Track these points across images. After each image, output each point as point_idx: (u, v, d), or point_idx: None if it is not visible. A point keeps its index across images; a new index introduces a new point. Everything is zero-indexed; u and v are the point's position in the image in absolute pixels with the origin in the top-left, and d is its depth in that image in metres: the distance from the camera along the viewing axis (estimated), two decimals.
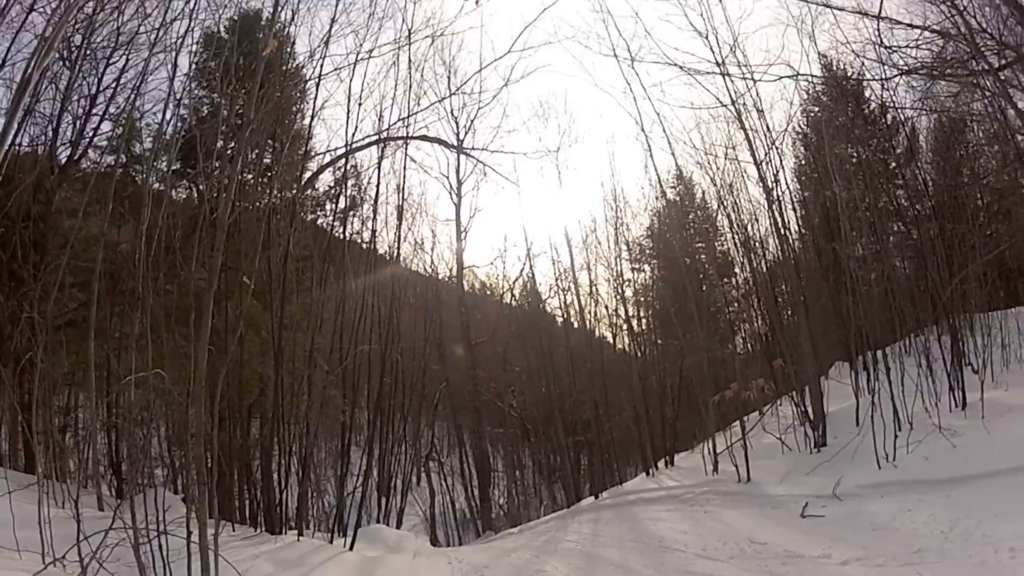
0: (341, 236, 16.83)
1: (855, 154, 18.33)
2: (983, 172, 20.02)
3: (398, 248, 19.44)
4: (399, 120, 16.57)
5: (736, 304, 22.94)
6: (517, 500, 28.89)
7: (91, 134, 15.30)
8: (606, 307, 24.97)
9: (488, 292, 32.46)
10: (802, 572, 7.43)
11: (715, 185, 17.93)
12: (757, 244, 17.77)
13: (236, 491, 14.10)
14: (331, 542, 12.18)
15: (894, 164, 20.37)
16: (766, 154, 15.82)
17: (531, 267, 33.36)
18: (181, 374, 9.56)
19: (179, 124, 14.28)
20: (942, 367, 12.51)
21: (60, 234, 13.53)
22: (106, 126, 15.36)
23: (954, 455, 9.86)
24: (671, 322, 21.43)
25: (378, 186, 19.12)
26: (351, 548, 11.84)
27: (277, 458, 12.74)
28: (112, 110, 15.24)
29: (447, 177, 29.40)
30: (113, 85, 15.11)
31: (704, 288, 22.58)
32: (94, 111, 15.13)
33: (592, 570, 9.99)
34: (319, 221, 18.79)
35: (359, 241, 17.92)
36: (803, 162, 22.03)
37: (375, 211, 17.13)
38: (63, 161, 15.00)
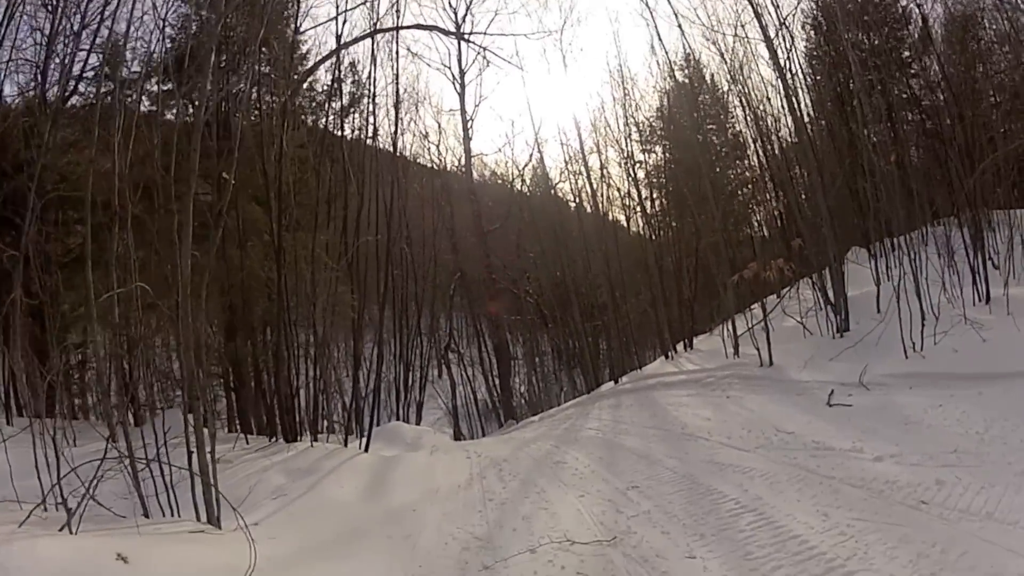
0: (340, 134, 16.06)
1: (866, 40, 17.42)
2: (995, 70, 18.85)
3: (394, 138, 18.36)
4: (391, 6, 15.67)
5: (750, 186, 22.25)
6: (537, 387, 28.83)
7: (79, 70, 14.73)
8: (618, 190, 24.31)
9: (498, 180, 31.74)
10: (833, 467, 7.00)
11: (726, 64, 17.02)
12: (770, 125, 17.07)
13: (253, 402, 13.95)
14: (345, 445, 11.88)
15: (907, 53, 19.57)
16: (776, 32, 15.03)
17: (540, 152, 32.86)
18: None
19: (167, 45, 14.06)
20: (963, 260, 12.02)
21: (56, 172, 13.06)
22: (93, 60, 14.74)
23: (984, 350, 9.39)
24: (685, 203, 20.79)
25: (373, 79, 18.29)
26: (366, 449, 11.53)
27: (287, 364, 12.33)
28: (98, 42, 14.50)
29: (448, 68, 28.78)
30: (97, 19, 14.23)
31: (718, 169, 21.76)
32: (80, 47, 14.50)
33: (614, 460, 9.66)
34: (320, 122, 17.98)
35: (362, 138, 17.17)
36: (813, 47, 20.96)
37: (373, 104, 16.43)
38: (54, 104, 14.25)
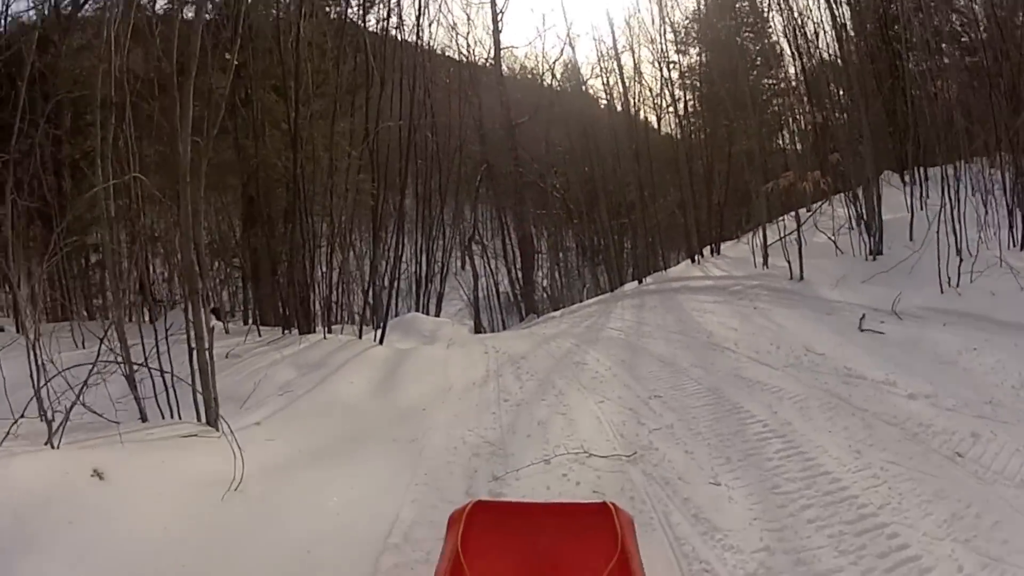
0: (363, 25, 15.27)
1: None
2: None
3: (418, 20, 17.52)
4: None
5: (785, 97, 21.30)
6: (560, 283, 28.49)
7: None
8: (650, 89, 23.29)
9: (528, 76, 30.81)
10: (866, 399, 6.59)
11: None
12: (809, 37, 16.16)
13: (269, 294, 13.67)
14: (360, 337, 11.54)
15: None
16: None
17: (572, 47, 31.87)
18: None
19: None
20: (1001, 201, 11.31)
21: (69, 77, 13.08)
22: None
23: (1022, 299, 8.81)
24: (718, 107, 19.90)
25: None
26: (381, 342, 11.19)
27: (303, 254, 11.92)
28: None
29: None
30: None
31: (752, 75, 20.77)
32: None
33: (635, 364, 9.30)
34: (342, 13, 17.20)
35: (385, 27, 16.46)
36: None
37: None
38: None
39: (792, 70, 19.09)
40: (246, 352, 10.03)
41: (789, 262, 12.64)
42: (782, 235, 13.59)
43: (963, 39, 16.97)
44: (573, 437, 6.32)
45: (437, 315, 21.61)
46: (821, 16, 15.21)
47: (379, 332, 11.49)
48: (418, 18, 17.60)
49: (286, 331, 11.77)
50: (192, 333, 6.07)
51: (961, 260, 9.76)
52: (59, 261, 12.67)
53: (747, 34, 22.33)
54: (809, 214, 14.43)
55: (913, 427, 5.80)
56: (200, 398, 6.04)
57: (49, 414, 4.76)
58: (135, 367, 6.01)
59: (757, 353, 8.84)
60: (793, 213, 14.07)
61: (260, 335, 11.64)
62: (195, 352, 6.07)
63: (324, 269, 13.03)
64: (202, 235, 6.72)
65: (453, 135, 25.11)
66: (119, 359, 5.92)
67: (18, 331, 10.22)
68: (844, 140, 14.16)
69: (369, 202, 13.25)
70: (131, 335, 6.22)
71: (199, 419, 6.04)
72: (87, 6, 14.94)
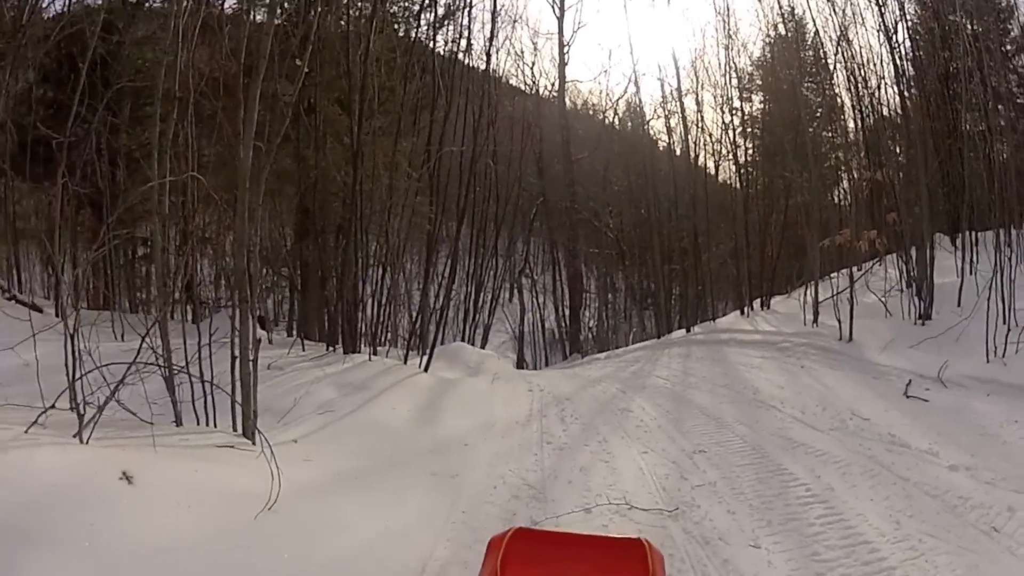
0: (432, 46, 15.51)
1: (969, 26, 15.79)
2: None
3: (488, 49, 17.75)
4: None
5: (845, 152, 21.15)
6: (607, 324, 28.44)
7: None
8: (710, 135, 23.24)
9: (590, 111, 30.94)
10: (908, 468, 6.50)
11: (834, 17, 15.87)
12: (870, 94, 15.83)
13: (317, 308, 13.77)
14: (405, 362, 11.63)
15: (1009, 48, 18.49)
16: None
17: (636, 85, 32.00)
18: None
19: None
20: None
21: (132, 66, 13.20)
22: None
23: None
24: (777, 156, 19.88)
25: None
26: (426, 369, 11.25)
27: (355, 271, 12.04)
28: None
29: None
30: None
31: (812, 128, 20.59)
32: None
33: (681, 416, 9.24)
34: (412, 32, 17.45)
35: (454, 51, 16.68)
36: (918, 22, 19.45)
37: (469, 14, 15.81)
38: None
39: (852, 124, 19.14)
40: (289, 365, 10.09)
41: (839, 321, 12.54)
42: (834, 293, 13.45)
43: (1020, 100, 16.91)
44: (615, 487, 6.30)
45: (483, 346, 21.64)
46: (884, 70, 15.00)
47: (425, 359, 11.53)
48: (489, 42, 17.73)
49: (330, 348, 11.86)
50: (238, 342, 6.05)
51: (1009, 329, 9.59)
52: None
53: (809, 83, 22.15)
54: (861, 273, 14.32)
55: (952, 499, 5.72)
56: (239, 408, 5.98)
57: (82, 407, 4.59)
58: (175, 370, 5.86)
59: (803, 414, 8.77)
60: (845, 271, 13.97)
61: (304, 349, 11.71)
62: (239, 362, 6.04)
63: (374, 289, 13.07)
64: (256, 243, 6.71)
65: (513, 166, 25.12)
66: (160, 360, 5.73)
67: (57, 315, 9.98)
68: (901, 200, 13.98)
69: (425, 226, 13.32)
70: (173, 335, 6.15)
71: (235, 429, 5.99)
72: None
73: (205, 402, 6.14)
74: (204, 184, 6.90)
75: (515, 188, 25.45)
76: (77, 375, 4.83)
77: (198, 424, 6.12)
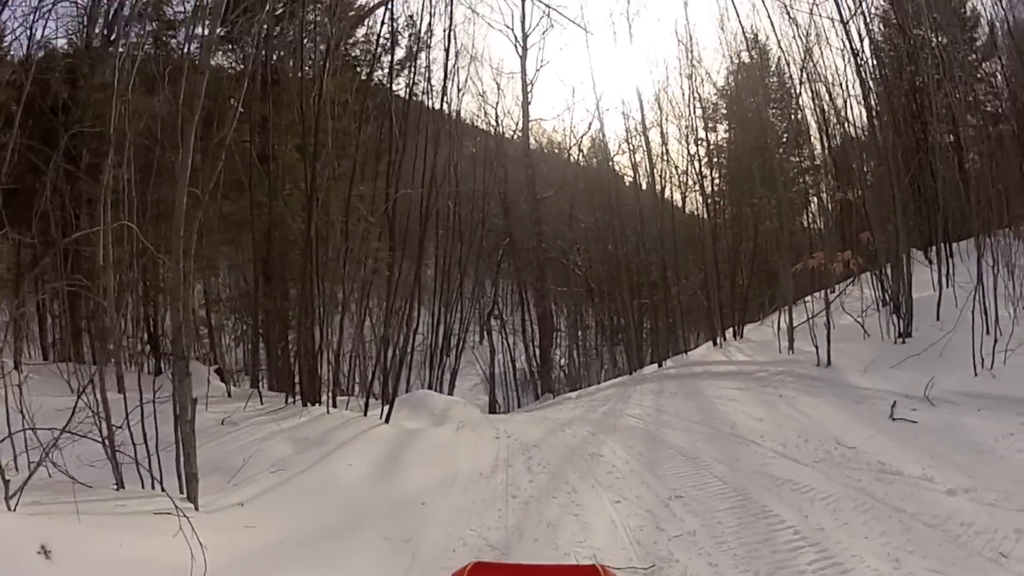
0: (390, 86, 15.10)
1: (934, 39, 15.71)
2: None
3: (444, 85, 17.26)
4: None
5: (809, 175, 20.98)
6: (578, 362, 27.80)
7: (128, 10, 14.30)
8: (676, 167, 22.98)
9: (555, 150, 30.61)
10: (903, 497, 6.02)
11: (798, 40, 15.68)
12: (838, 113, 15.74)
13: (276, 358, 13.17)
14: (365, 414, 10.88)
15: (973, 57, 18.32)
16: (852, 14, 13.70)
17: (600, 121, 31.73)
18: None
19: None
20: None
21: (93, 114, 12.26)
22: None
23: None
24: (744, 185, 19.66)
25: (430, 27, 17.35)
26: (387, 420, 10.54)
27: (311, 320, 11.39)
28: None
29: (511, 29, 27.57)
30: None
31: (780, 152, 20.52)
32: None
33: (656, 459, 8.68)
34: (373, 75, 17.04)
35: (414, 93, 16.30)
36: (883, 40, 19.41)
37: (427, 54, 15.43)
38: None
39: (819, 146, 18.98)
40: (244, 420, 9.44)
41: (816, 347, 12.09)
42: (809, 317, 13.09)
43: (987, 108, 17.03)
44: (586, 543, 5.75)
45: (451, 391, 20.98)
46: (850, 89, 14.75)
47: (386, 409, 10.82)
48: (444, 79, 17.28)
49: (290, 400, 11.14)
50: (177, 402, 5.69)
51: (995, 340, 9.24)
52: (65, 300, 12.77)
53: (773, 110, 22.00)
54: (836, 295, 13.93)
55: (954, 528, 5.27)
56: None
57: (15, 469, 4.43)
58: (115, 428, 5.54)
59: (784, 447, 8.26)
60: (820, 294, 13.69)
61: (262, 402, 11.02)
62: (179, 422, 5.68)
63: (335, 338, 12.45)
64: (191, 298, 6.22)
65: (477, 206, 24.67)
66: (99, 419, 5.42)
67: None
68: (873, 218, 13.64)
69: (385, 271, 12.70)
70: (133, 387, 5.93)
71: (181, 492, 5.59)
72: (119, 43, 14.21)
73: (150, 463, 5.74)
74: (138, 233, 6.61)
75: (479, 229, 24.84)
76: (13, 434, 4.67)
77: (143, 487, 5.71)
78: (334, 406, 10.99)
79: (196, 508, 5.43)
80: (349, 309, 12.55)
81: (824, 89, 15.49)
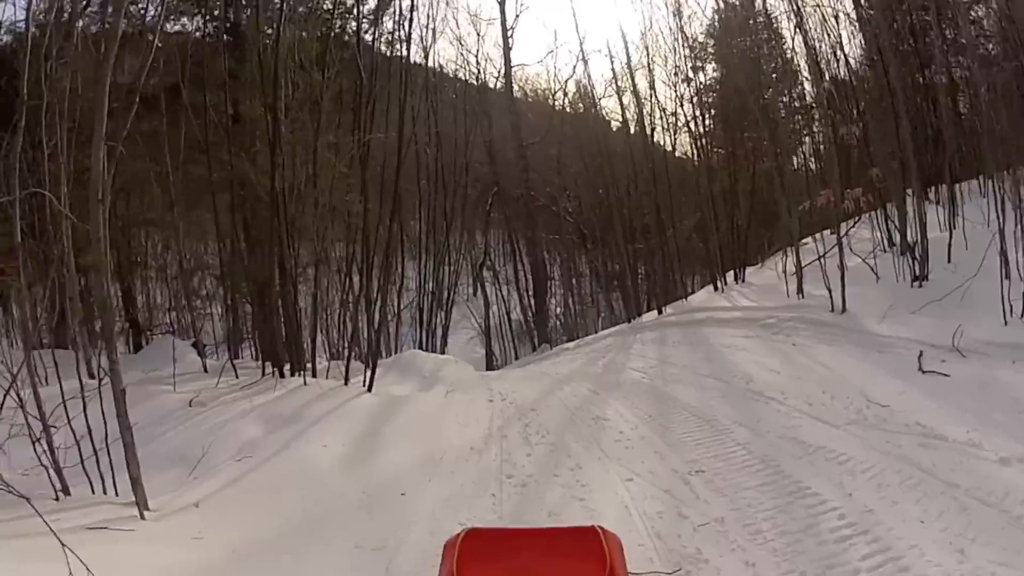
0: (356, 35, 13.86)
1: None
2: None
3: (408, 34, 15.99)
4: None
5: (801, 115, 19.89)
6: (574, 310, 26.83)
7: None
8: (663, 110, 21.72)
9: (540, 98, 29.34)
10: (952, 468, 5.17)
11: None
12: (834, 49, 15.53)
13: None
14: (346, 383, 9.88)
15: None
16: None
17: (585, 63, 31.18)
18: None
19: None
20: None
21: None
22: None
23: None
24: (738, 125, 18.91)
25: None
26: (370, 388, 9.53)
27: (285, 282, 10.37)
28: None
29: None
30: None
31: (769, 92, 19.34)
32: None
33: (668, 422, 7.71)
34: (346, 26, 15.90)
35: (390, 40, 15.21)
36: None
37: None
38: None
39: (808, 86, 18.52)
40: (215, 399, 8.50)
41: (830, 290, 11.18)
42: (821, 256, 12.25)
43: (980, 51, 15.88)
44: None
45: (443, 349, 20.22)
46: (843, 26, 13.89)
47: (367, 376, 9.82)
48: (409, 21, 16.03)
49: (268, 371, 10.12)
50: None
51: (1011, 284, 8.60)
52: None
53: (762, 51, 20.83)
54: (844, 232, 12.96)
55: (1015, 506, 4.46)
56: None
57: None
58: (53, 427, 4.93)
59: (810, 405, 7.37)
60: (822, 234, 13.12)
61: (237, 376, 10.03)
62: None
63: (308, 300, 11.47)
64: (107, 263, 5.26)
65: (460, 153, 23.56)
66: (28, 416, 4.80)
67: None
68: (879, 153, 12.73)
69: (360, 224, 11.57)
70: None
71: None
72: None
73: (98, 462, 5.19)
74: (54, 201, 6.29)
75: (464, 177, 23.71)
76: None
77: (92, 492, 5.17)
78: (313, 375, 9.97)
79: (143, 515, 4.72)
80: (327, 266, 11.44)
81: (818, 23, 14.75)
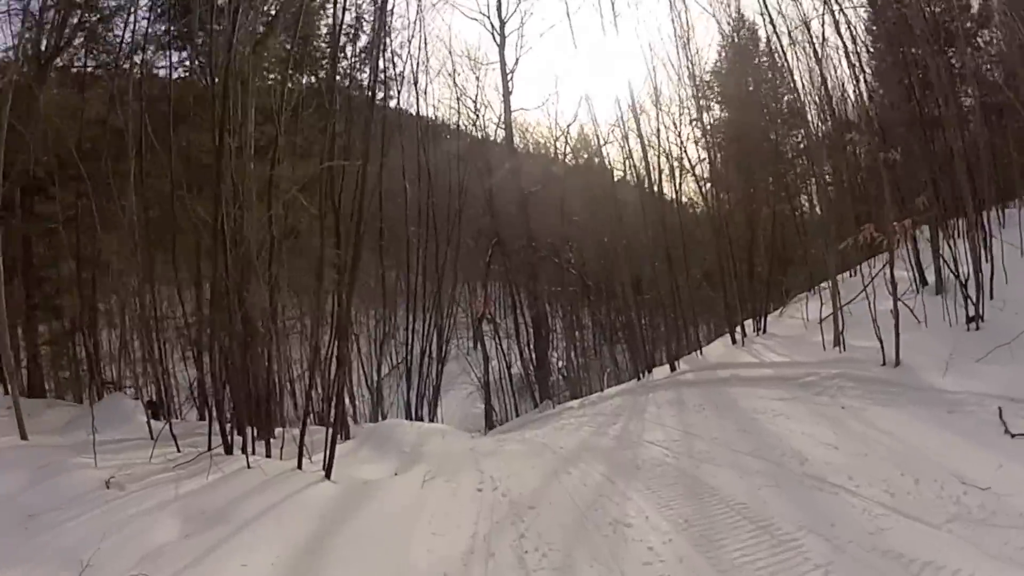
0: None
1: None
2: None
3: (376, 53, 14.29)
4: None
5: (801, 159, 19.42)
6: (576, 363, 25.00)
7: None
8: (667, 155, 19.77)
9: (541, 151, 28.21)
10: None
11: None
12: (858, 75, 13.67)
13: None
14: (299, 465, 7.75)
15: (970, 24, 16.25)
16: None
17: (590, 107, 32.73)
18: None
19: None
20: None
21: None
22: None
23: None
24: (750, 166, 17.32)
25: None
26: (327, 474, 7.43)
27: (232, 337, 8.41)
28: None
29: (487, 16, 25.25)
30: None
31: (773, 136, 18.36)
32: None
33: (710, 526, 5.64)
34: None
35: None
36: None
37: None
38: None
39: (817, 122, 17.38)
40: (140, 478, 6.73)
41: (881, 340, 9.20)
42: (866, 296, 10.23)
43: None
44: None
45: (433, 410, 18.46)
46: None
47: (327, 458, 7.67)
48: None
49: (210, 446, 7.99)
50: None
51: None
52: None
53: (766, 89, 20.30)
54: (879, 271, 11.14)
55: None
56: None
57: None
58: None
59: (891, 494, 5.45)
60: (844, 276, 12.10)
61: (179, 448, 8.12)
62: None
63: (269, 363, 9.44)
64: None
65: (454, 197, 22.01)
66: None
67: None
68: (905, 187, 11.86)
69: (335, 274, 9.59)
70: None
71: None
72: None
73: None
74: None
75: (457, 226, 21.95)
76: None
77: None
78: (267, 453, 7.95)
79: None
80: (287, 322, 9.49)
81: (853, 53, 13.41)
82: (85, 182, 10.61)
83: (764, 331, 14.89)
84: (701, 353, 15.65)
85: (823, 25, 13.66)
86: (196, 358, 11.04)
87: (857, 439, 7.07)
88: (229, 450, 7.89)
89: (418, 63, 22.28)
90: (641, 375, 17.01)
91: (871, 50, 15.69)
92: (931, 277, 11.26)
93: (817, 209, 19.14)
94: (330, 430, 7.86)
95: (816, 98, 16.07)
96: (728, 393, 10.77)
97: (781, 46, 14.53)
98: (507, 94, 25.42)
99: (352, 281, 8.53)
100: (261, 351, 8.86)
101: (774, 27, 14.22)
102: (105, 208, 10.81)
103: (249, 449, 8.01)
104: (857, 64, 12.97)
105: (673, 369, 15.15)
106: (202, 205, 8.75)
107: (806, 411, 8.59)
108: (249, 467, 7.30)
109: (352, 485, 7.23)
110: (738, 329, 15.26)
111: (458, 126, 25.15)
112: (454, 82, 25.00)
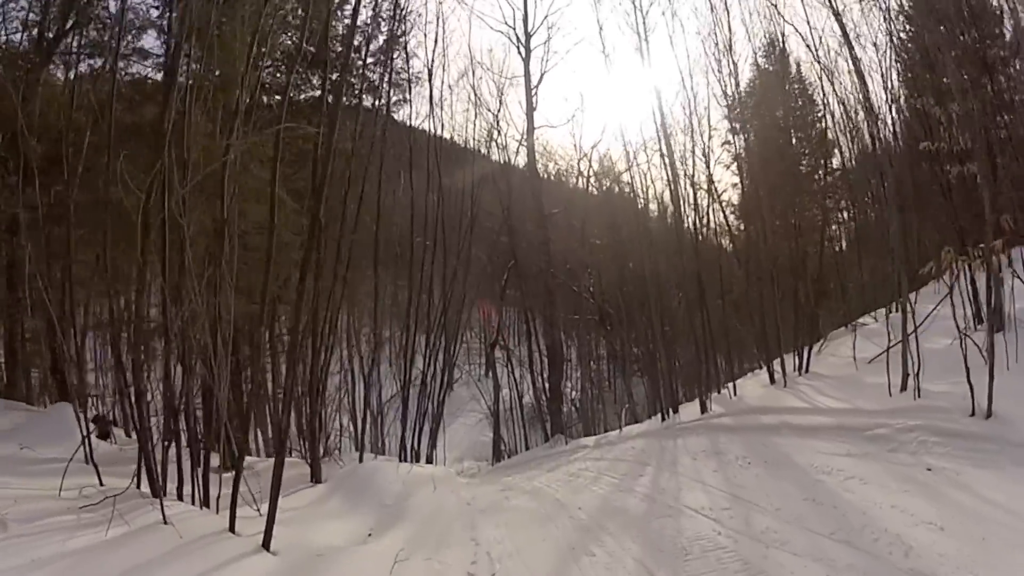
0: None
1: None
2: None
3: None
4: None
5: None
6: (591, 395, 23.10)
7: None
8: (694, 185, 18.03)
9: (562, 177, 26.86)
10: None
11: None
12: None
13: None
14: (231, 528, 5.71)
15: (1002, 53, 15.22)
16: None
17: (620, 130, 30.11)
18: None
19: None
20: None
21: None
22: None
23: None
24: (783, 194, 15.54)
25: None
26: (265, 542, 5.46)
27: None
28: None
29: (513, 28, 23.65)
30: None
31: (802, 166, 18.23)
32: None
33: None
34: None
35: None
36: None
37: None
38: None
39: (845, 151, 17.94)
40: (30, 520, 5.08)
41: (971, 384, 7.48)
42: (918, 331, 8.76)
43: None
44: None
45: (432, 448, 16.73)
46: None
47: (266, 524, 5.64)
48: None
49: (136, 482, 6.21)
50: None
51: None
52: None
53: (795, 118, 20.00)
54: (936, 305, 9.77)
55: None
56: None
57: None
58: None
59: None
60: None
61: (101, 482, 6.43)
62: None
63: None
64: None
65: (466, 206, 20.85)
66: None
67: None
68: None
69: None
70: None
71: None
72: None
73: None
74: None
75: (463, 245, 20.47)
76: None
77: None
78: (204, 503, 6.07)
79: None
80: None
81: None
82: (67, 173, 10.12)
83: (807, 370, 12.94)
84: (735, 393, 13.62)
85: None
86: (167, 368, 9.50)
87: (965, 515, 5.38)
88: (157, 492, 6.02)
89: (433, 60, 20.69)
90: (666, 415, 14.97)
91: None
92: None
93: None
94: (272, 477, 5.82)
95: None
96: (777, 445, 8.81)
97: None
98: (531, 109, 23.81)
99: (303, 291, 6.76)
100: (230, 366, 7.08)
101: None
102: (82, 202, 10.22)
103: (189, 489, 6.18)
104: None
105: (704, 410, 13.11)
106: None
107: (884, 473, 6.77)
108: (165, 522, 5.39)
109: (298, 560, 5.31)
110: (776, 367, 13.29)
111: (475, 143, 23.74)
112: (475, 93, 23.61)
